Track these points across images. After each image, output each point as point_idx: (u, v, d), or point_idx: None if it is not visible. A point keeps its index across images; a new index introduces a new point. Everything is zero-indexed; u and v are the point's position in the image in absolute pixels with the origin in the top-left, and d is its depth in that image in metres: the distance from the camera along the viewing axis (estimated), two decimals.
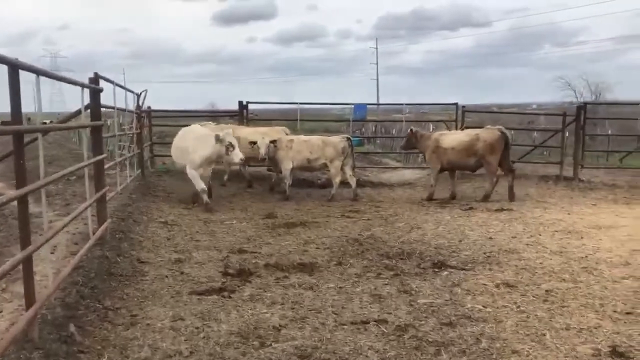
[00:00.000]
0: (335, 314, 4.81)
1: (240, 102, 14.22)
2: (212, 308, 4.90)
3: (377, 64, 73.71)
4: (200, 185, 9.70)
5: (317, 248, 7.14)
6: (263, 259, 6.53)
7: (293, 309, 4.92)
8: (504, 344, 4.11)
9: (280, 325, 4.51)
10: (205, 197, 9.71)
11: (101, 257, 5.87)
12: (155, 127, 15.82)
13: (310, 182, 13.60)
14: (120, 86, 9.05)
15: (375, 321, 4.61)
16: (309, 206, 10.54)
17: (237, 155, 9.66)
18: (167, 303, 5.02)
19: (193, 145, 9.82)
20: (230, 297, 5.21)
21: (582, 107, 14.00)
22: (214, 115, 16.65)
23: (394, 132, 28.97)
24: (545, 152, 22.36)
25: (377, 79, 73.28)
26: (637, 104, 14.29)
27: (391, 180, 14.40)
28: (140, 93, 12.28)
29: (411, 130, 11.60)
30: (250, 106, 14.55)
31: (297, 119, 15.15)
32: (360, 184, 12.74)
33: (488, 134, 10.78)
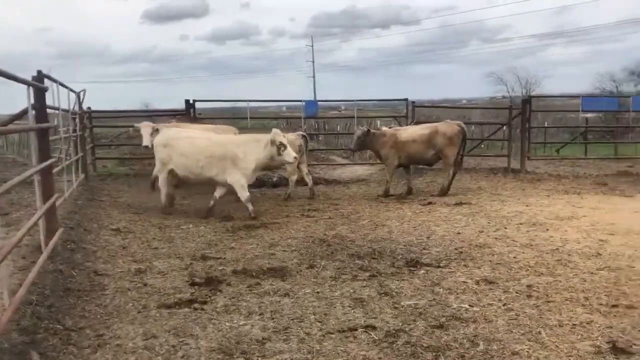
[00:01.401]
0: (319, 321, 4.54)
1: (187, 101, 13.69)
2: (185, 322, 4.53)
3: (313, 61, 73.65)
4: (246, 193, 9.03)
5: (284, 251, 6.84)
6: (229, 265, 6.18)
7: (273, 319, 4.61)
8: (502, 345, 3.97)
9: (263, 338, 4.20)
10: (250, 206, 9.03)
11: (54, 272, 5.36)
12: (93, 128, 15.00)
13: (262, 181, 13.27)
14: (64, 85, 8.40)
15: (363, 327, 4.38)
16: (265, 206, 10.22)
17: (290, 155, 9.02)
18: (134, 319, 4.60)
19: (244, 149, 9.01)
20: (202, 309, 4.84)
21: (527, 101, 14.37)
22: (157, 115, 15.95)
23: (338, 128, 28.99)
24: (482, 145, 22.92)
25: (314, 77, 73.32)
26: (577, 96, 14.71)
27: (343, 177, 14.28)
28: (80, 92, 11.54)
29: (368, 130, 11.29)
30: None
31: (239, 117, 14.76)
32: (314, 181, 12.53)
33: (447, 127, 10.80)
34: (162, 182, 9.49)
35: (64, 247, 6.20)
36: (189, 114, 13.63)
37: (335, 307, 4.85)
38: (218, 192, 9.32)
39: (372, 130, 11.50)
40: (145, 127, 10.85)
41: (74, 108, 10.87)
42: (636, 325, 4.21)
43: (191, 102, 13.76)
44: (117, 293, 5.22)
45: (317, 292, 5.24)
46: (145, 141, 10.69)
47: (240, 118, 16.92)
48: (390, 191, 11.04)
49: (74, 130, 10.68)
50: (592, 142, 21.16)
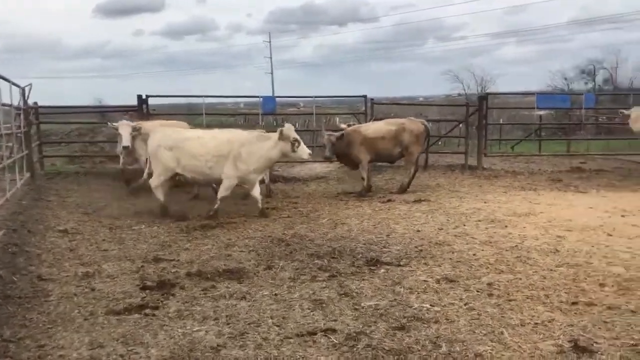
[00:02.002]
0: (277, 325, 4.37)
1: (140, 96, 13.22)
2: (135, 329, 4.28)
3: (271, 57, 73.35)
4: (227, 193, 8.81)
5: (241, 251, 6.62)
6: (183, 268, 5.93)
7: (229, 323, 4.41)
8: (464, 347, 3.88)
9: (218, 345, 4.00)
10: (217, 205, 8.81)
11: None
12: (41, 124, 14.37)
13: None
14: (4, 78, 7.94)
15: (322, 331, 4.22)
16: (221, 205, 9.95)
17: (305, 151, 8.71)
18: (80, 327, 4.32)
19: (248, 150, 8.65)
20: (154, 314, 4.60)
21: (484, 98, 14.48)
22: (109, 111, 15.42)
23: (297, 125, 28.77)
24: (439, 142, 23.09)
25: (272, 73, 73.03)
26: (533, 94, 14.97)
27: (302, 175, 14.09)
28: (25, 87, 11.00)
29: (342, 134, 10.64)
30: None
31: (194, 114, 14.39)
32: (272, 179, 12.36)
33: (414, 125, 10.76)
34: (160, 188, 8.98)
35: (4, 251, 5.85)
36: (141, 109, 13.20)
37: (294, 310, 4.68)
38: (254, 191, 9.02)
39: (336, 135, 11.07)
40: (124, 126, 10.28)
41: (18, 103, 10.36)
42: (596, 322, 4.19)
43: (144, 97, 13.32)
44: (62, 299, 4.93)
45: (275, 295, 5.07)
46: (125, 141, 10.18)
47: (195, 114, 16.53)
48: (371, 187, 10.78)
49: (19, 127, 10.18)
50: (546, 139, 21.57)
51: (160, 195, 8.94)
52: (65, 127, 20.71)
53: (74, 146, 18.15)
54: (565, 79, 45.93)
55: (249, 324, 4.40)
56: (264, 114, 14.46)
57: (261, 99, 14.32)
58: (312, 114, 15.37)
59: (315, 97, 15.08)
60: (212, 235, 7.47)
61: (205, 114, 14.33)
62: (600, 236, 6.76)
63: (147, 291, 5.16)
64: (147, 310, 4.67)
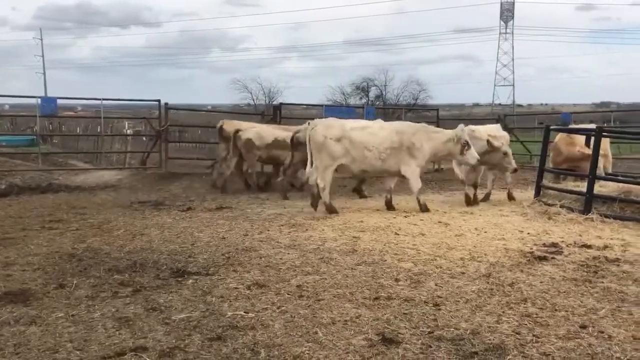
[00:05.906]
0: (79, 350, 3.93)
1: None
2: None
3: (42, 56, 67.38)
4: (420, 184, 9.05)
5: (23, 270, 5.85)
6: None
7: (18, 353, 3.85)
8: (282, 350, 3.90)
9: None
10: (422, 199, 9.13)
11: None
12: None
13: None
14: None
15: (132, 350, 3.90)
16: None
17: (474, 157, 8.83)
18: None
19: (420, 138, 8.80)
20: None
21: (277, 107, 14.98)
22: None
23: (78, 130, 26.60)
24: None
25: (44, 73, 67.17)
26: (321, 105, 15.93)
27: (88, 183, 13.03)
28: None
29: None
30: None
31: None
32: (54, 189, 11.29)
33: None
34: (328, 180, 8.79)
35: None
36: None
37: (96, 331, 4.25)
38: (391, 183, 9.35)
39: None
40: None
41: None
42: (397, 315, 4.54)
43: None
44: None
45: (72, 316, 4.56)
46: None
47: None
48: None
49: None
50: None
51: (327, 197, 8.70)
52: None
53: None
54: (344, 94, 49.64)
55: (43, 351, 3.88)
56: (42, 116, 13.04)
57: (39, 100, 12.87)
58: (100, 117, 14.25)
59: (103, 99, 14.00)
60: None
61: None
62: (389, 235, 7.37)
63: None
64: None
